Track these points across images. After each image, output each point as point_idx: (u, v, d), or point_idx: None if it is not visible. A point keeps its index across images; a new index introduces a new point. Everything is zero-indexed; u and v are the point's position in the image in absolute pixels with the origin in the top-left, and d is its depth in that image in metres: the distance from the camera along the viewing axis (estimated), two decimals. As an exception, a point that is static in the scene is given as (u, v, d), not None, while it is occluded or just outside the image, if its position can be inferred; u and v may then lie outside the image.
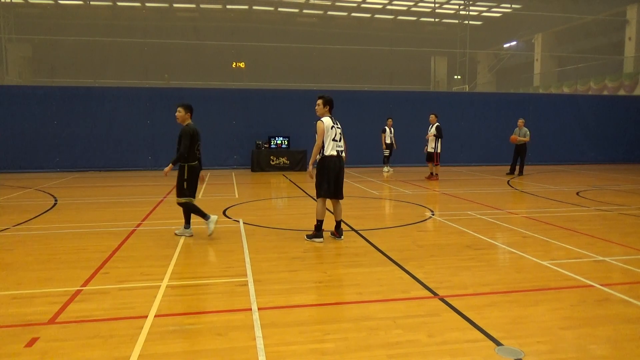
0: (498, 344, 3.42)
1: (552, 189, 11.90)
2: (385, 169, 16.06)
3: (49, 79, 27.76)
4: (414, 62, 33.09)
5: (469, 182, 13.65)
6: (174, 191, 6.77)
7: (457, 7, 30.24)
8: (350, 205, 9.16)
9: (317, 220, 6.41)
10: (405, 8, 31.53)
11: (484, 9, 31.45)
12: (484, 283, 4.76)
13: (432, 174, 13.85)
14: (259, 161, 16.74)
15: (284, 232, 7.03)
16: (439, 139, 13.46)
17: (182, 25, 31.95)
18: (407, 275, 4.99)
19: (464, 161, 18.67)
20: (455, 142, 18.08)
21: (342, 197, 6.53)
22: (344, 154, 6.49)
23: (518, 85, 34.76)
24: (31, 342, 3.41)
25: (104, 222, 7.81)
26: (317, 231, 6.41)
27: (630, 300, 4.28)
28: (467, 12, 28.11)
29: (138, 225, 7.47)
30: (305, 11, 32.39)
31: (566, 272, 5.08)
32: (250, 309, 4.04)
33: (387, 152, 15.90)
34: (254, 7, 30.56)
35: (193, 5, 30.30)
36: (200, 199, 10.36)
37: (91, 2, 29.50)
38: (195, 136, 6.51)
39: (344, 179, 6.60)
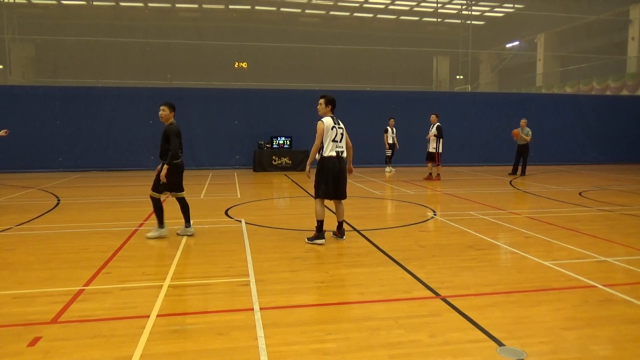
0: (500, 344, 3.41)
1: (554, 189, 11.88)
2: (388, 169, 16.05)
3: (52, 79, 27.86)
4: (416, 62, 33.10)
5: (471, 182, 13.63)
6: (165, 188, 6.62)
7: (459, 7, 30.20)
8: (352, 205, 9.15)
9: (317, 221, 6.36)
10: (407, 8, 31.52)
11: (487, 8, 31.42)
12: (486, 283, 4.75)
13: (431, 174, 13.83)
14: (261, 161, 16.74)
15: (286, 232, 7.03)
16: (440, 139, 13.45)
17: (184, 25, 32.00)
18: (409, 275, 4.98)
19: (465, 161, 18.63)
20: (457, 142, 18.04)
21: (344, 197, 6.47)
22: (345, 155, 6.38)
23: (520, 85, 34.69)
24: (33, 342, 3.42)
25: (105, 222, 7.82)
26: (318, 232, 6.35)
27: (633, 300, 4.27)
28: (470, 12, 28.09)
29: (140, 225, 7.48)
30: (307, 11, 32.40)
31: (568, 273, 5.07)
32: (252, 309, 4.04)
33: (389, 152, 15.89)
34: (256, 7, 30.58)
35: (195, 6, 30.33)
36: (203, 199, 10.38)
37: (93, 2, 29.56)
38: (180, 134, 6.54)
39: (347, 179, 6.55)
